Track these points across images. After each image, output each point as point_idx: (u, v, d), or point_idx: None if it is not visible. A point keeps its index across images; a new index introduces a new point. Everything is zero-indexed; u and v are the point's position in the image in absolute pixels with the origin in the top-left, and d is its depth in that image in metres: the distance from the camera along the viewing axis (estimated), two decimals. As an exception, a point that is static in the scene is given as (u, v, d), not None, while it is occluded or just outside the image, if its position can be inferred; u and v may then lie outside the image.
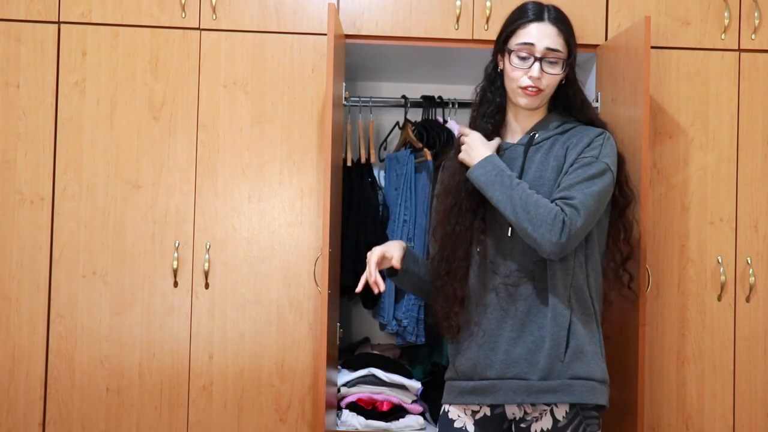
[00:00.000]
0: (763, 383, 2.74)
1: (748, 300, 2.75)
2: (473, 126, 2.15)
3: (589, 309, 2.02)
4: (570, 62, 2.07)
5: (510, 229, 2.02)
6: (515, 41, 2.05)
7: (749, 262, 2.75)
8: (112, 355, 2.65)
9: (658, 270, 2.72)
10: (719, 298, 2.74)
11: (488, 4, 2.73)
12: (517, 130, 2.13)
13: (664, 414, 2.72)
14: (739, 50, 2.79)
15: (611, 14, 2.78)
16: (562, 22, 2.06)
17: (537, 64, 2.02)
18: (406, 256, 2.13)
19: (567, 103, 2.14)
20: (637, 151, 2.48)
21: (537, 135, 2.09)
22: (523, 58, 2.03)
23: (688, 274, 2.74)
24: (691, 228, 2.75)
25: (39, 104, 2.66)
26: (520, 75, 2.03)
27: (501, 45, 2.10)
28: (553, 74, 2.04)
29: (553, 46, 2.03)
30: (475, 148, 2.05)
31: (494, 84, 2.13)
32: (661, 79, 2.76)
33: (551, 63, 2.03)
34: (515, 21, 2.07)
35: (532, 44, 2.02)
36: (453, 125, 3.04)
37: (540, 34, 2.03)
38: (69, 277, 2.65)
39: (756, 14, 2.78)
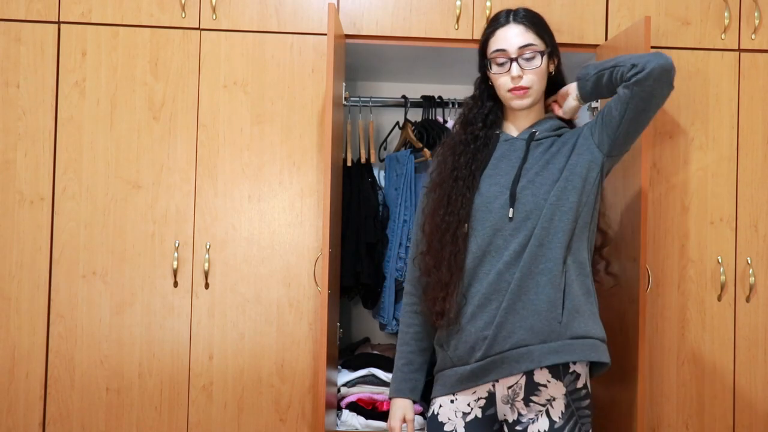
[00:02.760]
0: (763, 383, 2.74)
1: (748, 300, 2.75)
2: (460, 127, 2.19)
3: (585, 269, 2.04)
4: (549, 52, 2.12)
5: (511, 210, 2.03)
6: (489, 51, 2.12)
7: (749, 262, 2.75)
8: (112, 355, 2.65)
9: (658, 270, 2.72)
10: (719, 298, 2.74)
11: (488, 4, 2.73)
12: (516, 126, 2.18)
13: (664, 414, 2.72)
14: (739, 50, 2.79)
15: (611, 14, 2.78)
16: (529, 18, 2.12)
17: (515, 65, 2.08)
18: (417, 389, 2.19)
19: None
20: (637, 151, 2.49)
21: (537, 132, 2.13)
22: (500, 64, 2.10)
23: (688, 274, 2.74)
24: (691, 228, 2.75)
25: (39, 104, 2.66)
26: (504, 80, 2.10)
27: (482, 59, 2.16)
28: (533, 68, 2.09)
29: (523, 43, 2.08)
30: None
31: (484, 93, 2.19)
32: (661, 79, 2.76)
33: (528, 59, 2.08)
34: (486, 32, 2.15)
35: (503, 49, 2.09)
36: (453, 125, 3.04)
37: (508, 36, 2.10)
38: (69, 277, 2.65)
39: (756, 14, 2.78)
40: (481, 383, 2.03)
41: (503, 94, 2.11)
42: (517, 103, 2.10)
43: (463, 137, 2.16)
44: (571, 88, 2.17)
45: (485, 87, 2.18)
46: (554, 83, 2.19)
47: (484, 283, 2.02)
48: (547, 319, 1.97)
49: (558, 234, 2.01)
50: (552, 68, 2.14)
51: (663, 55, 1.99)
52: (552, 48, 2.13)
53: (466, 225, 2.07)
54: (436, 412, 2.10)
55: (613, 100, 2.05)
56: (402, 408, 2.17)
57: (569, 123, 2.23)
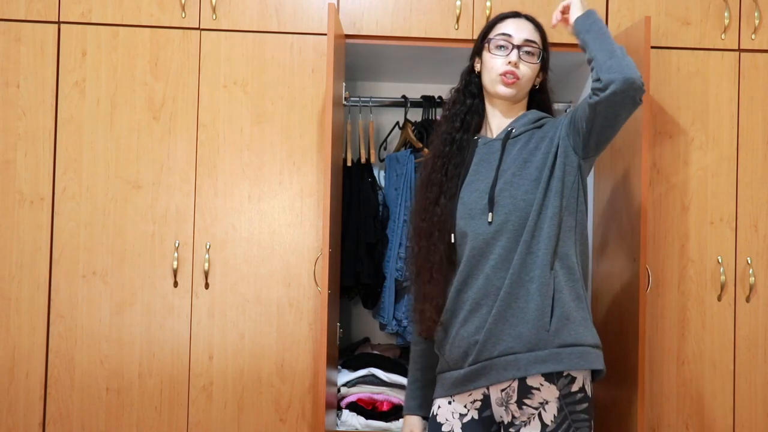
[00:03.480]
0: (763, 383, 2.74)
1: (748, 300, 2.75)
2: (442, 124, 2.20)
3: (575, 274, 2.02)
4: (545, 57, 2.16)
5: (490, 215, 2.03)
6: (494, 33, 2.14)
7: (749, 262, 2.75)
8: (112, 355, 2.65)
9: (658, 270, 2.72)
10: (719, 298, 2.74)
11: (488, 4, 2.73)
12: (495, 126, 2.18)
13: (664, 414, 2.72)
14: (739, 50, 2.79)
15: (611, 14, 2.78)
16: (537, 24, 2.17)
17: (515, 51, 2.11)
18: (426, 405, 2.21)
19: (539, 109, 2.22)
20: (637, 151, 2.49)
21: (514, 129, 2.13)
22: (501, 47, 2.12)
23: (688, 274, 2.74)
24: (691, 228, 2.75)
25: (39, 104, 2.66)
26: (499, 62, 2.11)
27: (479, 44, 2.19)
28: (531, 63, 2.12)
29: (530, 38, 2.13)
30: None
31: (468, 86, 2.20)
32: (661, 79, 2.76)
33: (528, 53, 2.12)
34: (493, 20, 2.19)
35: (509, 35, 2.12)
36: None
37: (517, 27, 2.14)
38: (69, 277, 2.65)
39: (756, 14, 2.78)
40: (472, 388, 2.04)
41: (492, 77, 2.12)
42: (502, 89, 2.10)
43: (444, 136, 2.18)
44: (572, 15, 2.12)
45: (470, 79, 2.19)
46: (534, 98, 2.20)
47: (474, 288, 2.03)
48: (536, 327, 1.96)
49: (543, 240, 2.00)
50: (538, 81, 2.17)
51: (629, 72, 1.93)
52: (546, 61, 2.17)
53: (452, 236, 2.08)
54: (435, 413, 2.12)
55: (582, 108, 2.03)
56: (409, 425, 2.23)
57: (549, 112, 2.23)
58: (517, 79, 2.09)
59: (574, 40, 2.75)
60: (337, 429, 2.67)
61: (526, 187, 2.03)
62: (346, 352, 3.05)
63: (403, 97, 3.14)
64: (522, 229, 2.01)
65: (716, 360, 2.73)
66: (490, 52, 2.12)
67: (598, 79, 1.96)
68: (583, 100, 2.04)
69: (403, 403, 2.72)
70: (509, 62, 2.09)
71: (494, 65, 2.11)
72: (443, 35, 2.75)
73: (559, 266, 2.00)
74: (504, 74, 2.09)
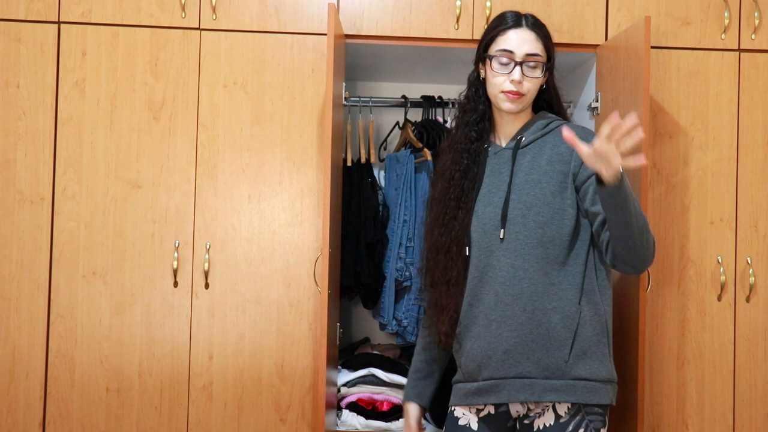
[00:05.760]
0: (763, 383, 2.74)
1: (748, 300, 2.75)
2: (457, 133, 2.21)
3: (600, 309, 2.05)
4: (549, 66, 2.14)
5: (502, 231, 2.04)
6: (495, 48, 2.11)
7: (749, 262, 2.75)
8: (112, 355, 2.65)
9: (658, 270, 2.72)
10: (719, 298, 2.74)
11: (488, 4, 2.73)
12: (504, 134, 2.20)
13: (664, 414, 2.72)
14: (739, 50, 2.79)
15: (611, 14, 2.78)
16: (539, 27, 2.13)
17: (518, 69, 2.08)
18: (424, 395, 2.29)
19: (546, 108, 2.22)
20: (637, 151, 2.48)
21: (524, 138, 2.13)
22: (504, 64, 2.09)
23: (688, 274, 2.74)
24: (691, 228, 2.75)
25: (39, 104, 2.66)
26: (502, 80, 2.09)
27: (481, 53, 2.17)
28: (534, 78, 2.11)
29: (532, 51, 2.10)
30: (615, 157, 1.81)
31: (477, 92, 2.20)
32: (661, 79, 2.76)
33: (531, 67, 2.10)
34: (494, 28, 2.14)
35: (511, 51, 2.09)
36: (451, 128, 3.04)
37: (519, 40, 2.09)
38: (69, 277, 2.65)
39: (756, 14, 2.78)
40: (482, 402, 2.08)
41: (495, 93, 2.12)
42: (507, 105, 2.11)
43: (459, 146, 2.18)
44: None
45: (478, 84, 2.19)
46: (543, 96, 2.20)
47: (485, 303, 2.07)
48: (555, 357, 2.00)
49: (570, 273, 2.02)
50: (543, 81, 2.16)
51: (642, 268, 1.99)
52: (551, 63, 2.15)
53: (467, 249, 2.11)
54: (452, 409, 2.17)
55: (597, 206, 2.00)
56: (407, 411, 2.30)
57: (559, 108, 2.23)
58: (521, 95, 2.09)
59: (574, 40, 2.78)
60: (337, 429, 2.67)
61: (538, 209, 2.04)
62: (346, 352, 3.05)
63: (403, 97, 3.14)
64: (534, 250, 2.02)
65: (716, 360, 2.73)
66: (492, 68, 2.11)
67: (613, 258, 1.99)
68: (593, 192, 2.00)
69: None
70: (512, 81, 2.08)
71: (497, 83, 2.10)
72: (443, 35, 2.75)
73: (585, 302, 2.03)
74: (506, 92, 2.09)
